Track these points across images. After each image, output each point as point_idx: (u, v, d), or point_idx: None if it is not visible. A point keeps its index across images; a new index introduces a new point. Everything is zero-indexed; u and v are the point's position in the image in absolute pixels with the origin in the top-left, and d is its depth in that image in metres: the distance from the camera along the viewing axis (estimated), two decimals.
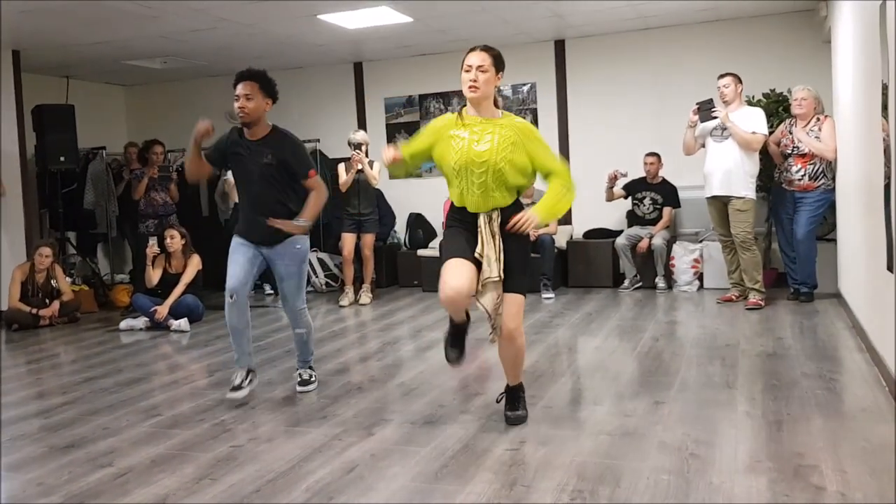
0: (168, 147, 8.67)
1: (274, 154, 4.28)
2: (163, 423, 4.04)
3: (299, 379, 4.60)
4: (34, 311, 7.30)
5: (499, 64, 3.60)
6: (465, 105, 3.65)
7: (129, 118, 10.58)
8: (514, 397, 3.82)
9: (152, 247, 7.19)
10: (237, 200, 7.87)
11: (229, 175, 8.13)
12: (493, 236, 3.55)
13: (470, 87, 3.52)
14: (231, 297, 4.26)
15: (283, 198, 4.33)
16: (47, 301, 7.42)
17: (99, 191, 9.02)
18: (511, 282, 3.57)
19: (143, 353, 6.03)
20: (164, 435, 3.83)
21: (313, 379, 4.62)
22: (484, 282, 3.54)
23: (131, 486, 3.18)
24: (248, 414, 4.14)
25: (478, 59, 3.53)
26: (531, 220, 3.51)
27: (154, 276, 7.13)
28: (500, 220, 3.57)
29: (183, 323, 6.84)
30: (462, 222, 3.64)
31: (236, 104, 4.22)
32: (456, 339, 3.77)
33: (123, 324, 7.07)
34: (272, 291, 8.57)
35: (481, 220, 3.56)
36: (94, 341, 6.58)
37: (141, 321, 7.01)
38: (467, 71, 3.53)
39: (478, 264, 3.56)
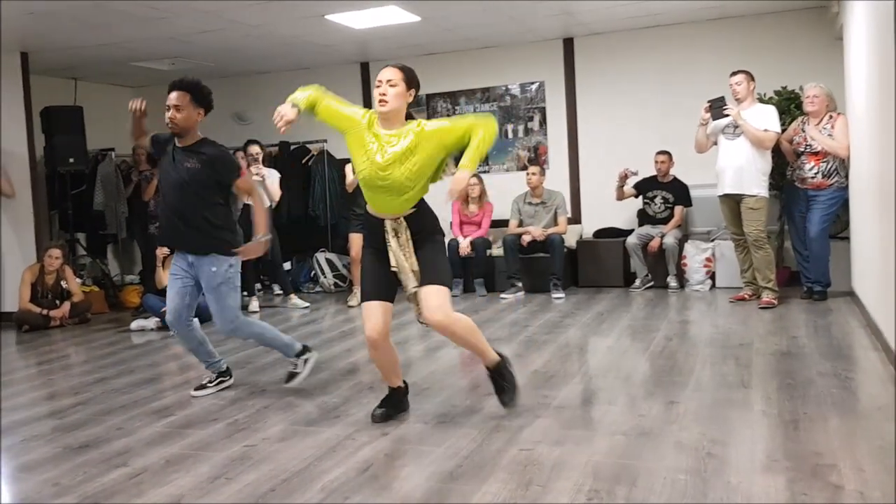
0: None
1: (198, 159, 4.28)
2: (176, 423, 4.03)
3: (285, 376, 4.61)
4: (44, 312, 7.32)
5: (410, 80, 3.60)
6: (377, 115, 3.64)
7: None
8: (497, 376, 3.79)
9: (162, 248, 7.18)
10: (245, 202, 7.96)
11: None
12: (403, 246, 3.62)
13: (380, 101, 3.52)
14: (171, 330, 4.61)
15: (203, 207, 4.31)
16: (57, 302, 7.44)
17: (108, 192, 9.03)
18: (427, 275, 3.61)
19: (155, 353, 6.03)
20: (178, 435, 3.83)
21: (298, 369, 4.57)
22: (408, 295, 3.66)
23: (146, 486, 3.17)
24: (261, 413, 4.13)
25: (388, 73, 3.55)
26: (462, 178, 3.53)
27: (164, 276, 7.10)
28: (408, 231, 3.64)
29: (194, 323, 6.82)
30: (372, 233, 3.71)
31: (166, 114, 4.22)
32: (386, 401, 3.94)
33: (134, 324, 7.09)
34: (280, 292, 8.56)
35: (388, 232, 3.62)
36: (105, 342, 6.59)
37: (152, 322, 7.02)
38: (378, 86, 3.55)
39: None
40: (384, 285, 3.69)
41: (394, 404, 3.95)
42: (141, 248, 9.14)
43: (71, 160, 8.27)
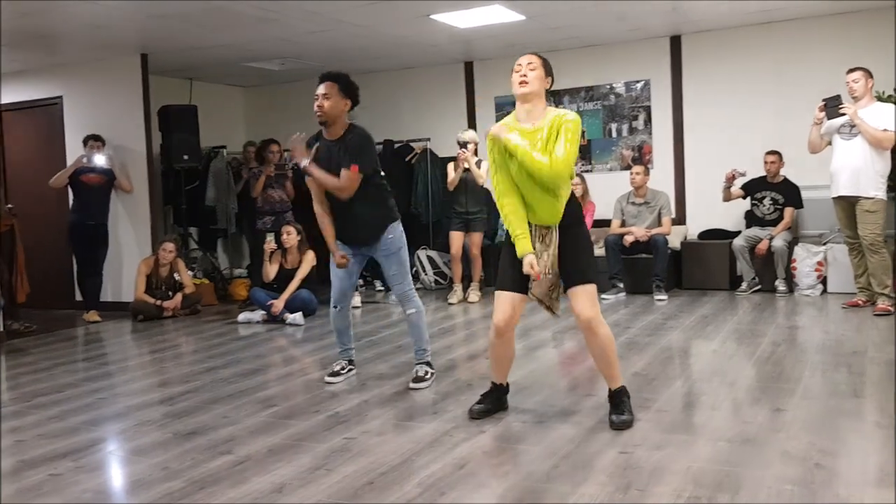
0: (284, 146, 8.89)
1: (345, 147, 4.41)
2: (279, 414, 4.14)
3: (415, 375, 4.63)
4: (158, 302, 7.64)
5: (548, 68, 3.62)
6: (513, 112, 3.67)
7: (247, 118, 10.91)
8: (618, 401, 3.75)
9: (269, 243, 7.40)
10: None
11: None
12: (548, 246, 3.64)
13: (520, 82, 3.54)
14: (335, 307, 4.73)
15: (368, 193, 4.46)
16: (170, 293, 7.75)
17: (219, 188, 9.34)
18: (576, 273, 3.63)
19: (260, 345, 6.22)
20: (281, 425, 3.93)
21: (428, 376, 4.62)
22: (538, 293, 3.71)
23: (250, 473, 3.27)
24: (361, 407, 4.21)
25: (527, 58, 3.59)
26: (502, 133, 3.55)
27: (271, 270, 7.34)
28: (556, 232, 3.66)
29: (298, 317, 7.02)
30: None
31: (315, 103, 4.36)
32: (487, 396, 3.96)
33: (241, 317, 7.32)
34: (382, 288, 8.69)
35: (534, 235, 3.64)
36: (213, 333, 6.83)
37: (258, 314, 7.23)
38: (517, 71, 3.57)
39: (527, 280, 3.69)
40: (519, 279, 3.68)
41: (494, 401, 3.95)
42: (249, 242, 9.42)
43: (185, 157, 8.59)
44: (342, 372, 4.80)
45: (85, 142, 8.00)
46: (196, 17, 6.75)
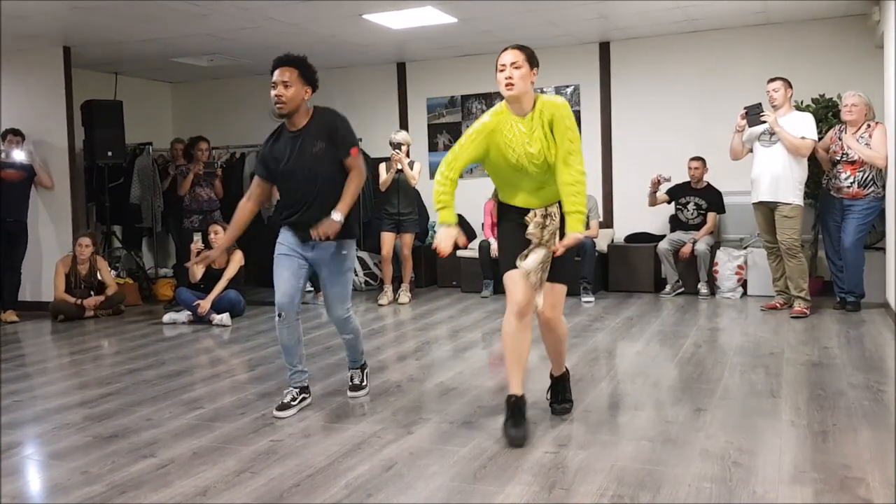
0: (213, 144, 8.76)
1: (320, 138, 3.94)
2: (204, 416, 4.08)
3: (350, 383, 4.45)
4: (78, 302, 7.44)
5: (532, 60, 3.51)
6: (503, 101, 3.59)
7: (175, 115, 10.71)
8: (562, 388, 3.94)
9: (196, 242, 7.28)
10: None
11: None
12: (545, 228, 3.55)
13: (506, 85, 3.45)
14: (280, 314, 4.02)
15: (335, 190, 3.92)
16: (91, 293, 7.56)
17: (145, 186, 9.15)
18: (558, 271, 3.61)
19: (186, 346, 6.10)
20: (206, 427, 3.88)
21: (364, 384, 4.44)
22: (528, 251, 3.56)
23: (173, 477, 3.21)
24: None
25: (510, 56, 3.47)
26: (574, 238, 3.50)
27: (197, 270, 7.22)
28: (559, 217, 3.57)
29: (225, 317, 6.92)
30: (517, 214, 3.63)
31: (273, 92, 3.89)
32: (514, 415, 3.56)
33: (166, 317, 7.17)
34: (312, 289, 8.61)
35: (535, 216, 3.57)
36: (137, 334, 6.68)
37: (184, 315, 7.10)
38: (502, 70, 3.47)
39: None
40: (522, 252, 3.58)
41: (523, 416, 3.59)
42: (175, 241, 9.26)
43: (109, 153, 8.37)
44: (293, 403, 4.08)
45: (3, 136, 7.75)
46: (122, 10, 6.59)
